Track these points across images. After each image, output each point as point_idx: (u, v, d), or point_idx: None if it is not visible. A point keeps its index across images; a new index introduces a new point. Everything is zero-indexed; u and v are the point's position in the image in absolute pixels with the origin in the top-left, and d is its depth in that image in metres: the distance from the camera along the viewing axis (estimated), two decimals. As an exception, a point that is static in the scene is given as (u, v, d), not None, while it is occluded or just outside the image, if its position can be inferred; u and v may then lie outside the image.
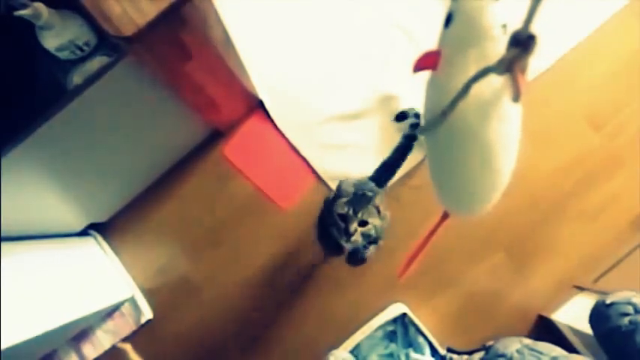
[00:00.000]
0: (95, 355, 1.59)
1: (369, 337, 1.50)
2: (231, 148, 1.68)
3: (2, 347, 0.99)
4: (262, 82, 1.63)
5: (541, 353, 1.06)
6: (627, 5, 1.68)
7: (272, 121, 1.67)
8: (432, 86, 0.83)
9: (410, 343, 1.49)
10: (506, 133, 0.65)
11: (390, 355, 1.48)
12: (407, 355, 1.46)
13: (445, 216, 1.00)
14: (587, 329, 1.15)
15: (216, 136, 1.68)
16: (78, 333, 1.59)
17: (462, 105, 0.53)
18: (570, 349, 1.14)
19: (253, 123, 1.69)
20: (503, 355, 1.12)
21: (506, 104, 0.56)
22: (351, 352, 1.47)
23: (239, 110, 1.65)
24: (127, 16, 0.80)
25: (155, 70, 1.07)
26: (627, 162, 1.64)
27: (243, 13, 1.67)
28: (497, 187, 0.77)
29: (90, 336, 1.60)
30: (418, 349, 1.47)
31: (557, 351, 1.07)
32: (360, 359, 1.47)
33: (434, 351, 1.48)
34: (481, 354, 1.28)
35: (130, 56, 0.95)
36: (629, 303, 1.03)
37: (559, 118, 1.67)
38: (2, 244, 1.19)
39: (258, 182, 1.66)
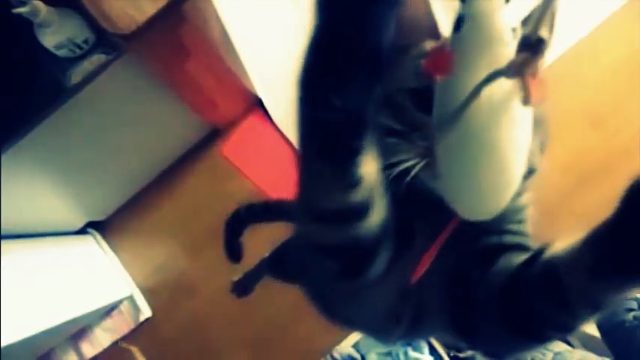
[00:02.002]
0: (94, 353, 1.59)
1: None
2: (230, 147, 1.68)
3: (2, 345, 0.99)
4: (261, 80, 1.62)
5: (545, 348, 1.06)
6: (627, 4, 1.68)
7: (271, 119, 1.66)
8: (442, 90, 0.82)
9: (409, 342, 1.49)
10: (517, 136, 0.65)
11: (389, 353, 1.48)
12: (406, 354, 1.46)
13: (456, 219, 1.00)
14: (586, 328, 1.16)
15: (214, 135, 1.68)
16: (76, 331, 1.59)
17: (473, 108, 0.53)
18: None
19: (252, 122, 1.68)
20: None
21: (517, 108, 0.56)
22: (350, 350, 1.47)
23: (238, 109, 1.64)
24: (125, 14, 0.80)
25: (154, 67, 1.07)
26: (627, 160, 1.64)
27: (242, 11, 1.66)
28: (509, 190, 0.77)
29: (88, 334, 1.60)
30: (417, 348, 1.47)
31: (561, 346, 1.08)
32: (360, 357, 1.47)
33: (432, 350, 1.48)
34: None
35: (128, 54, 0.95)
36: (634, 299, 1.04)
37: (558, 116, 1.67)
38: (2, 242, 1.19)
39: (257, 181, 1.66)
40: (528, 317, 0.44)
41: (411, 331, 0.57)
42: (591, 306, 0.40)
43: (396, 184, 0.47)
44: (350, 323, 0.81)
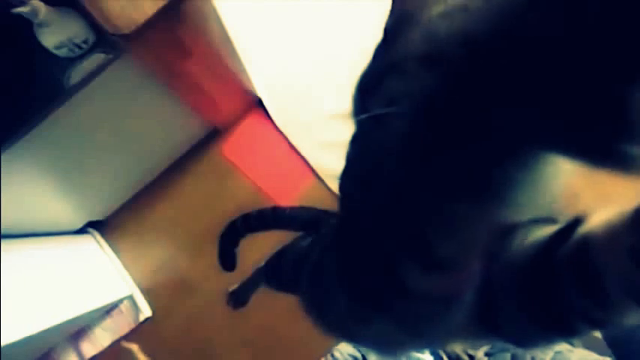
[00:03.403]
0: (94, 352, 1.59)
1: (368, 335, 1.50)
2: (230, 147, 1.68)
3: (2, 344, 0.99)
4: (261, 80, 1.62)
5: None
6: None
7: (271, 119, 1.66)
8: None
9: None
10: None
11: (389, 353, 1.47)
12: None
13: None
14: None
15: (214, 135, 1.68)
16: (76, 331, 1.59)
17: None
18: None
19: (252, 121, 1.68)
20: (508, 349, 1.12)
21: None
22: (350, 350, 1.47)
23: (238, 108, 1.64)
24: (125, 14, 0.80)
25: (153, 67, 1.07)
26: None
27: (241, 11, 1.66)
28: None
29: (88, 334, 1.60)
30: (417, 348, 1.47)
31: (562, 345, 1.07)
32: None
33: (433, 350, 1.48)
34: (486, 347, 1.27)
35: (128, 54, 0.95)
36: None
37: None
38: (2, 241, 1.19)
39: (257, 180, 1.66)
40: (554, 305, 0.37)
41: (427, 343, 0.52)
42: (631, 296, 0.32)
43: None
44: (355, 338, 0.78)
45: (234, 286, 1.49)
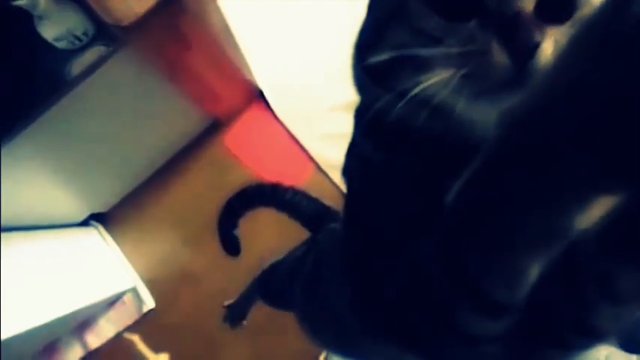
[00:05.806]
0: (98, 344, 1.60)
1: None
2: (232, 138, 1.68)
3: (3, 337, 1.00)
4: (262, 71, 1.62)
5: None
6: None
7: (272, 111, 1.66)
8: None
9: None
10: None
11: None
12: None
13: None
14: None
15: (216, 126, 1.67)
16: (80, 322, 1.60)
17: None
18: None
19: (254, 113, 1.68)
20: None
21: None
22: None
23: (239, 100, 1.64)
24: (125, 5, 0.80)
25: (154, 59, 1.06)
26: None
27: (242, 2, 1.65)
28: None
29: (92, 325, 1.61)
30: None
31: None
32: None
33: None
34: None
35: (128, 46, 0.94)
36: None
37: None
38: (3, 234, 1.19)
39: (259, 172, 1.66)
40: (540, 313, 0.30)
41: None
42: (609, 297, 0.27)
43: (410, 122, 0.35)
44: (356, 355, 0.76)
45: (230, 301, 1.49)
